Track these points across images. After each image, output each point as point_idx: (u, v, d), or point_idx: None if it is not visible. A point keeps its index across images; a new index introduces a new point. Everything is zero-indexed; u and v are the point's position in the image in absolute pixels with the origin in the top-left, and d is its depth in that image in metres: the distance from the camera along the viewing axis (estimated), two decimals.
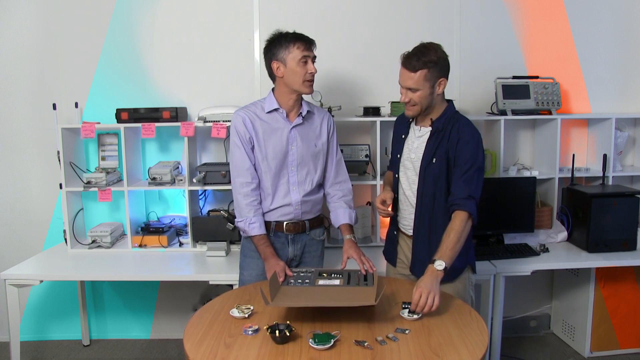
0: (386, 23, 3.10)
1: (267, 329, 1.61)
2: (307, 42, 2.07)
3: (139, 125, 2.85)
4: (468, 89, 3.14)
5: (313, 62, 2.09)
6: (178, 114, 2.90)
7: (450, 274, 1.89)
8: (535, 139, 3.23)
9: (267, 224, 2.17)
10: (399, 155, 2.12)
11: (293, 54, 2.04)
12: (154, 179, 2.87)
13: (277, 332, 1.58)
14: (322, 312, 1.76)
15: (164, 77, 3.12)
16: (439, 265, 1.81)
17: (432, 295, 1.74)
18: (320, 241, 2.30)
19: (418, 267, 2.03)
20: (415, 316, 1.74)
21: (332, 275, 1.98)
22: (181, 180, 2.90)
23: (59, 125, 2.84)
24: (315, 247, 2.28)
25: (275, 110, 2.14)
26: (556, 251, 2.81)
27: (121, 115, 2.88)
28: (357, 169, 2.96)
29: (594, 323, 2.99)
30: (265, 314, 1.79)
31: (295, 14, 3.06)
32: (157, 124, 2.84)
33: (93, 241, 2.93)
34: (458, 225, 1.88)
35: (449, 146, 1.96)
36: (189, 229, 2.91)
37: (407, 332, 1.65)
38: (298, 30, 2.10)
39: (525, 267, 2.61)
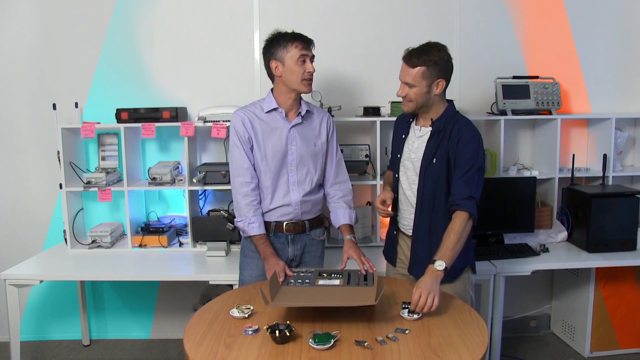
0: (386, 23, 3.10)
1: (267, 329, 1.61)
2: (305, 42, 2.08)
3: (139, 125, 2.85)
4: (468, 89, 3.14)
5: (311, 61, 2.09)
6: (178, 114, 2.90)
7: (450, 274, 1.89)
8: (535, 139, 3.23)
9: (267, 224, 2.17)
10: (399, 155, 2.12)
11: (291, 53, 2.05)
12: (154, 179, 2.87)
13: (277, 332, 1.58)
14: (322, 312, 1.76)
15: (164, 77, 3.12)
16: (440, 265, 1.81)
17: (432, 295, 1.74)
18: (320, 241, 2.30)
19: (417, 267, 2.03)
20: (415, 316, 1.74)
21: (332, 275, 1.98)
22: (181, 180, 2.90)
23: (59, 125, 2.84)
24: (315, 248, 2.28)
25: (274, 109, 2.14)
26: (556, 251, 2.81)
27: (121, 115, 2.88)
28: (357, 169, 2.96)
29: (594, 323, 2.99)
30: (265, 314, 1.79)
31: (295, 14, 3.06)
32: (157, 124, 2.84)
33: (93, 241, 2.93)
34: (458, 225, 1.88)
35: (450, 146, 1.96)
36: (189, 229, 2.91)
37: (407, 332, 1.65)
38: (298, 30, 2.11)
39: (525, 267, 2.61)
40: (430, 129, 2.02)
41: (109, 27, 3.07)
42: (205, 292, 3.23)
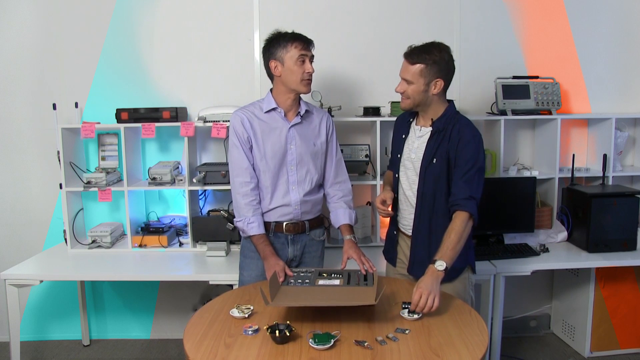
0: (386, 23, 3.10)
1: (267, 329, 1.60)
2: (304, 42, 2.08)
3: (139, 125, 2.85)
4: (468, 89, 3.14)
5: (311, 61, 2.10)
6: (178, 114, 2.90)
7: (450, 274, 1.88)
8: (535, 139, 3.23)
9: (266, 225, 2.17)
10: (399, 155, 2.12)
11: (291, 53, 2.05)
12: (154, 179, 2.87)
13: (277, 332, 1.58)
14: (322, 312, 1.76)
15: (164, 77, 3.12)
16: (440, 265, 1.81)
17: (432, 295, 1.74)
18: (320, 241, 2.30)
19: (416, 267, 2.03)
20: (415, 316, 1.73)
21: (332, 275, 1.98)
22: (181, 180, 2.90)
23: (59, 125, 2.84)
24: (315, 248, 2.28)
25: (274, 109, 2.14)
26: (556, 251, 2.81)
27: (121, 115, 2.88)
28: (357, 169, 2.96)
29: (594, 323, 2.99)
30: (265, 314, 1.79)
31: (295, 14, 3.06)
32: (157, 124, 2.84)
33: (93, 241, 2.93)
34: (459, 225, 1.88)
35: (450, 146, 1.96)
36: (189, 229, 2.91)
37: (407, 332, 1.65)
38: (298, 31, 2.11)
39: (525, 267, 2.61)
40: (430, 129, 2.02)
41: (109, 27, 3.07)
42: (205, 292, 3.23)
